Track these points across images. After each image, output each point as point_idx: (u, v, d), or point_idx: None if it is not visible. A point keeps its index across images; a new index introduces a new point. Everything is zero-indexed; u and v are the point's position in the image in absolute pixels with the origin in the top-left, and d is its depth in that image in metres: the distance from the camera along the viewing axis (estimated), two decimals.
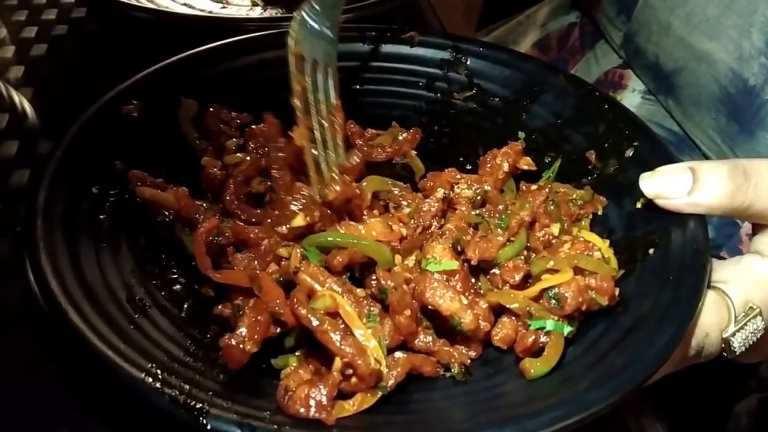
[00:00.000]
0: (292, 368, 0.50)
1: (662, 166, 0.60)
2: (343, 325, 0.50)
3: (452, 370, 0.52)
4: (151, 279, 0.56)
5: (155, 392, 0.44)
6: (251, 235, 0.58)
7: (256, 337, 0.50)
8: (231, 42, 0.74)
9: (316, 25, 0.66)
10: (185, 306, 0.56)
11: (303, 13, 0.65)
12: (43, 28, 0.88)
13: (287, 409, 0.46)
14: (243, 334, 0.50)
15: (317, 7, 0.66)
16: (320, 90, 0.66)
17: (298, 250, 0.55)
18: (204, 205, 0.62)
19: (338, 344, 0.48)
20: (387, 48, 0.77)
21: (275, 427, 0.43)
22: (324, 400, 0.46)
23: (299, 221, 0.58)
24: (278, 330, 0.53)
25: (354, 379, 0.48)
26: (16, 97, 0.75)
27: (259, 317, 0.51)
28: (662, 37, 0.85)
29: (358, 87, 0.76)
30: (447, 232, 0.57)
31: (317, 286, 0.52)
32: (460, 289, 0.53)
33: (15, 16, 0.89)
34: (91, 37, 0.87)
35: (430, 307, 0.52)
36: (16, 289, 0.58)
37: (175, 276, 0.58)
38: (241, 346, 0.49)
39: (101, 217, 0.58)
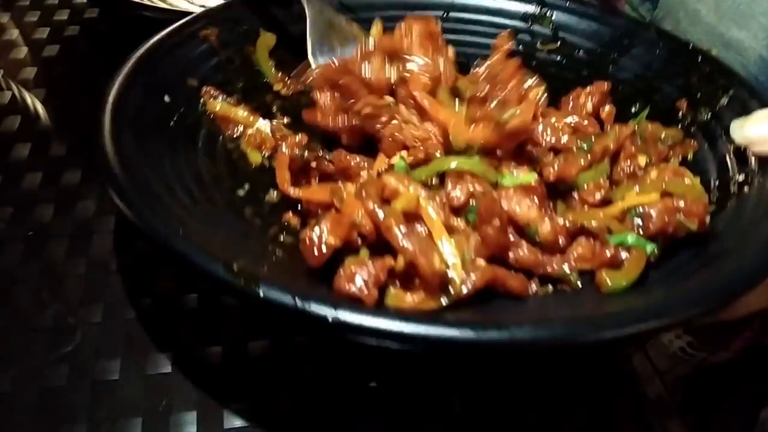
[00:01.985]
0: (359, 256, 0.47)
1: (754, 113, 0.56)
2: (412, 226, 0.46)
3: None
4: (213, 181, 0.55)
5: (210, 260, 0.42)
6: (352, 163, 0.55)
7: (338, 232, 0.46)
8: None
9: None
10: (246, 208, 0.54)
11: None
12: (56, 29, 0.86)
13: (335, 285, 0.43)
14: (324, 228, 0.46)
15: None
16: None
17: (384, 159, 0.52)
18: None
19: (400, 240, 0.45)
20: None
21: (328, 301, 0.40)
22: (369, 279, 0.43)
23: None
24: (359, 241, 0.49)
25: (418, 281, 0.45)
26: (29, 98, 0.74)
27: (341, 221, 0.48)
28: (690, 24, 0.81)
29: None
30: (527, 150, 0.54)
31: (401, 188, 0.48)
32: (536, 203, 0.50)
33: (27, 17, 0.88)
34: (104, 38, 0.85)
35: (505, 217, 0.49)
36: (28, 294, 0.55)
37: (239, 183, 0.56)
38: (323, 239, 0.46)
39: (171, 123, 0.58)
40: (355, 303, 0.42)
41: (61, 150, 0.68)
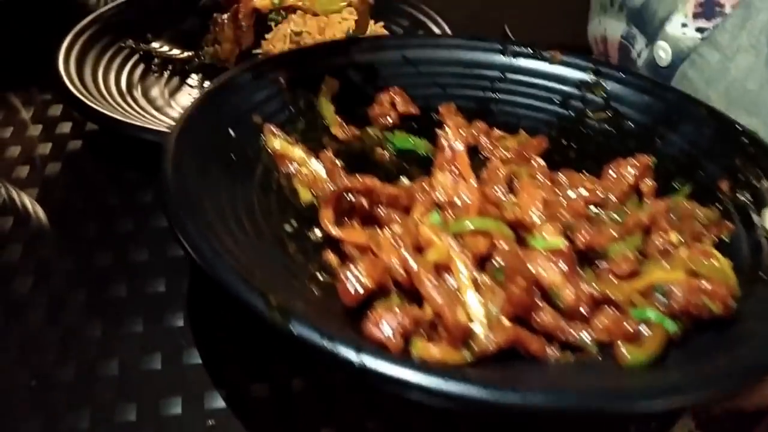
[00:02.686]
0: (389, 301, 0.49)
1: None
2: (442, 276, 0.49)
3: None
4: (263, 214, 0.58)
5: (251, 292, 0.45)
6: (401, 196, 0.58)
7: (373, 275, 0.49)
8: (383, 36, 0.78)
9: None
10: (291, 244, 0.57)
11: None
12: (58, 143, 0.82)
13: (364, 329, 0.46)
14: (361, 269, 0.49)
15: None
16: None
17: (422, 205, 0.55)
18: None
19: (429, 290, 0.48)
20: (527, 63, 0.78)
21: (354, 345, 0.43)
22: (395, 325, 0.45)
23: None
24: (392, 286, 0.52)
25: (442, 332, 0.47)
26: (33, 218, 0.70)
27: (377, 265, 0.51)
28: None
29: (492, 95, 0.78)
30: (559, 216, 0.56)
31: (435, 239, 0.51)
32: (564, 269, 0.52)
33: (29, 132, 0.84)
34: (107, 151, 0.81)
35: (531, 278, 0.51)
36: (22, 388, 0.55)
37: (287, 218, 0.60)
38: (359, 280, 0.49)
39: (232, 155, 0.62)
40: (380, 350, 0.45)
41: (62, 284, 0.65)
